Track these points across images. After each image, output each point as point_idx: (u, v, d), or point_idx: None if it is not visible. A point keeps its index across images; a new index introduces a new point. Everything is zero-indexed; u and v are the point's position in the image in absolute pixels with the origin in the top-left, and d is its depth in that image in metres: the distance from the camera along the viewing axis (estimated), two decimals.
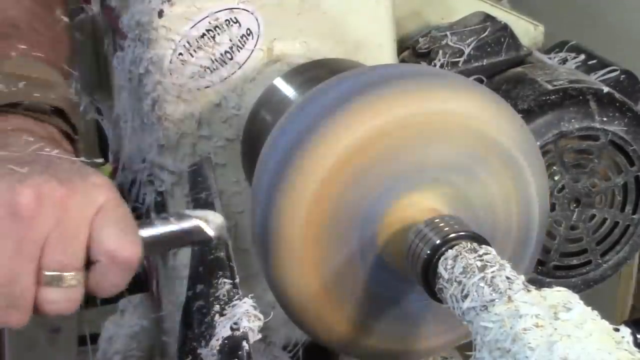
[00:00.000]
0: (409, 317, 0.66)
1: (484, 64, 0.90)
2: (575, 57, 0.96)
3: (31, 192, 0.53)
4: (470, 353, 0.50)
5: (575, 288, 0.86)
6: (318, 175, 0.60)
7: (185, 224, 0.59)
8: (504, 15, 1.00)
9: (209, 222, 0.59)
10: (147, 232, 0.58)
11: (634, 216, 0.87)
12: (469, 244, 0.56)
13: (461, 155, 0.62)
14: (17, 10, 0.73)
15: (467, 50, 0.90)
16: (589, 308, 0.47)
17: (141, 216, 0.89)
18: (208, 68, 0.82)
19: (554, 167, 0.83)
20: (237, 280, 0.59)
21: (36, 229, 0.53)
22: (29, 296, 0.54)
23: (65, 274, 0.54)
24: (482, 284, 0.51)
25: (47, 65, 0.69)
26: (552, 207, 0.83)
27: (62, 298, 0.55)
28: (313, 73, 0.81)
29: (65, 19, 0.77)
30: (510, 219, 0.65)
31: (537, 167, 0.66)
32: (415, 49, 0.94)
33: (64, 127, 0.68)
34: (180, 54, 0.80)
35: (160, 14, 0.79)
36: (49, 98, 0.66)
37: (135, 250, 0.56)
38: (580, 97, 0.83)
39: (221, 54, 0.82)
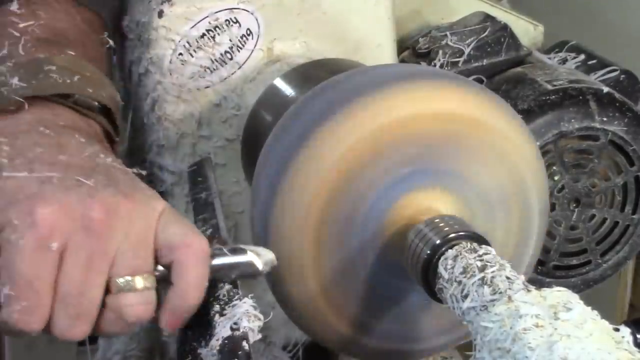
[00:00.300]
0: (409, 317, 0.66)
1: (484, 64, 0.91)
2: (575, 57, 0.96)
3: (102, 207, 0.54)
4: (470, 353, 0.50)
5: (575, 288, 0.86)
6: (318, 175, 0.60)
7: (240, 258, 0.59)
8: (503, 15, 1.00)
9: (260, 257, 0.59)
10: None
11: (633, 216, 0.87)
12: (469, 244, 0.56)
13: (480, 174, 0.63)
14: (68, 24, 0.74)
15: (467, 50, 0.90)
16: (589, 308, 0.47)
17: None
18: (208, 68, 0.82)
19: (554, 167, 0.83)
20: (238, 284, 0.59)
21: (107, 243, 0.54)
22: (95, 308, 0.55)
23: (137, 277, 0.55)
24: (482, 284, 0.51)
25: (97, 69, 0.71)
26: (552, 207, 0.83)
27: (138, 301, 0.55)
28: (313, 73, 0.81)
29: (111, 43, 0.78)
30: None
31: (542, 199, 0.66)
32: (415, 49, 0.94)
33: (107, 127, 0.69)
34: (180, 54, 0.80)
35: (160, 14, 0.79)
36: (100, 95, 0.67)
37: (203, 240, 0.57)
38: (580, 97, 0.83)
39: (221, 54, 0.82)
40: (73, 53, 0.70)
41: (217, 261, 0.58)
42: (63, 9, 0.75)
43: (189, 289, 0.56)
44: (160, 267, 0.57)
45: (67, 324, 0.54)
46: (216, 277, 0.58)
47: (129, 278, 0.55)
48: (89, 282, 0.54)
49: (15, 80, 0.63)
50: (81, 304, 0.54)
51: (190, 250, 0.56)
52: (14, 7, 0.72)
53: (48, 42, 0.70)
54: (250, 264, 0.59)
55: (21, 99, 0.62)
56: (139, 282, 0.55)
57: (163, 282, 0.57)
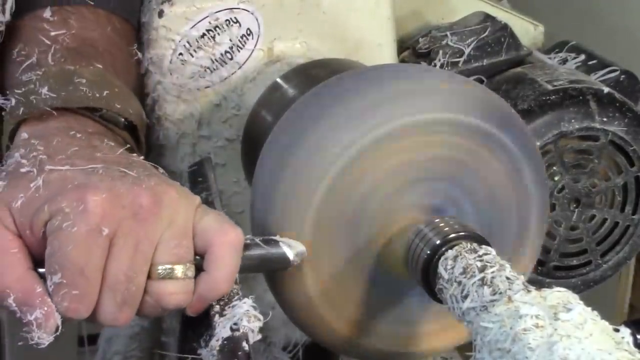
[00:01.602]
0: (409, 317, 0.66)
1: (484, 64, 0.90)
2: (575, 57, 0.96)
3: (149, 195, 0.55)
4: (470, 353, 0.50)
5: (575, 288, 0.86)
6: (318, 175, 0.60)
7: (272, 250, 0.60)
8: (504, 15, 1.00)
9: (292, 248, 0.60)
10: None
11: (634, 216, 0.87)
12: (469, 245, 0.56)
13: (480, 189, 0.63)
14: (99, 34, 0.75)
15: (467, 50, 0.90)
16: (589, 308, 0.47)
17: None
18: (208, 68, 0.82)
19: (554, 168, 0.83)
20: (238, 281, 0.59)
21: (153, 230, 0.55)
22: (140, 294, 0.56)
23: (178, 266, 0.56)
24: (482, 285, 0.51)
25: (123, 83, 0.71)
26: (552, 208, 0.83)
27: (180, 289, 0.56)
28: (313, 73, 0.81)
29: (140, 55, 0.80)
30: None
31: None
32: (416, 49, 0.94)
33: (130, 143, 0.70)
34: (181, 54, 0.80)
35: (161, 14, 0.79)
36: (127, 112, 0.68)
37: (239, 230, 0.58)
38: (580, 97, 0.83)
39: (221, 54, 0.82)
40: (100, 65, 0.70)
41: (251, 252, 0.59)
42: (94, 18, 0.76)
43: (221, 280, 0.57)
44: (196, 257, 0.58)
45: (114, 310, 0.55)
46: (246, 268, 0.59)
47: (170, 266, 0.56)
48: (135, 268, 0.55)
49: (44, 90, 0.64)
50: (128, 291, 0.55)
51: (226, 240, 0.57)
52: (46, 14, 0.72)
53: (77, 53, 0.70)
54: (283, 256, 0.59)
55: (50, 109, 0.63)
56: (180, 270, 0.56)
57: (199, 271, 0.58)
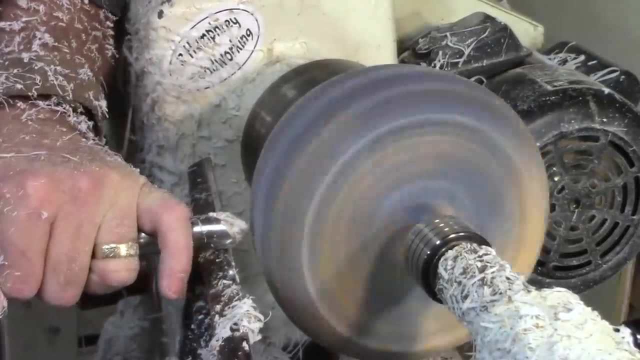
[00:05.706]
0: (409, 317, 0.66)
1: (484, 64, 0.90)
2: (575, 58, 0.96)
3: (89, 178, 0.58)
4: (470, 353, 0.50)
5: (575, 289, 0.86)
6: (318, 176, 0.60)
7: (214, 227, 0.62)
8: (503, 15, 1.00)
9: (233, 226, 0.62)
10: None
11: (633, 217, 0.87)
12: (469, 245, 0.56)
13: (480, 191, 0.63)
14: (70, 19, 0.76)
15: (466, 51, 0.90)
16: (589, 308, 0.47)
17: None
18: (208, 69, 0.82)
19: (554, 168, 0.83)
20: (238, 281, 0.59)
21: (94, 212, 0.58)
22: (84, 274, 0.58)
23: (122, 245, 0.59)
24: (482, 285, 0.51)
25: (87, 69, 0.73)
26: (552, 208, 0.83)
27: (123, 267, 0.59)
28: (313, 74, 0.81)
29: (111, 42, 0.82)
30: None
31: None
32: (415, 50, 0.94)
33: (89, 127, 0.71)
34: (180, 54, 0.80)
35: (160, 14, 0.79)
36: (82, 97, 0.70)
37: (183, 204, 0.61)
38: (580, 98, 0.83)
39: (221, 55, 0.82)
40: (67, 51, 0.72)
41: (194, 229, 0.61)
42: (69, 5, 0.77)
43: (178, 248, 0.59)
44: (143, 235, 0.60)
45: (58, 290, 0.58)
46: (195, 246, 0.61)
47: (113, 245, 0.58)
48: (78, 249, 0.57)
49: (2, 79, 0.66)
50: (71, 271, 0.57)
51: (172, 214, 0.60)
52: (21, 1, 0.74)
53: (44, 39, 0.72)
54: (224, 233, 0.62)
55: (6, 97, 0.65)
56: (123, 249, 0.59)
57: (148, 249, 0.60)
